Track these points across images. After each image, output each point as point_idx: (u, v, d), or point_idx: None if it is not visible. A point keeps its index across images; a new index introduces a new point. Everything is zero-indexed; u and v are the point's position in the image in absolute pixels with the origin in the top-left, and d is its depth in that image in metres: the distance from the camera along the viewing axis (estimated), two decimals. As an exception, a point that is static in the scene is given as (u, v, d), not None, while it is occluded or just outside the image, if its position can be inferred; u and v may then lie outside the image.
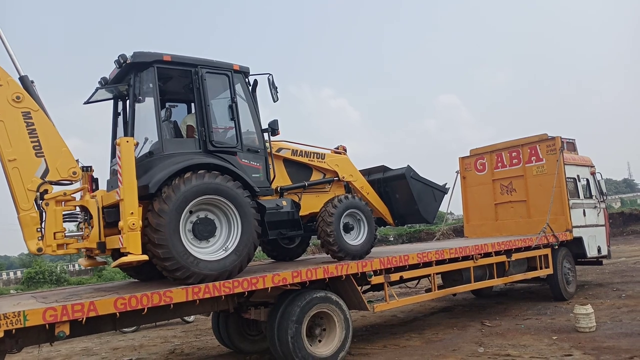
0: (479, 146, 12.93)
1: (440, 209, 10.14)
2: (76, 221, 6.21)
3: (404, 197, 8.77)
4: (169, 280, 6.13)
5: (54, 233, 5.74)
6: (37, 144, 5.75)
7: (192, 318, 12.09)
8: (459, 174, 13.11)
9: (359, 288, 7.44)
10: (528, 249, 10.05)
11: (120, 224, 5.63)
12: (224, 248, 6.28)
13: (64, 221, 5.89)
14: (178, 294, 5.63)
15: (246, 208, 6.37)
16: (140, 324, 9.68)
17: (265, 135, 7.28)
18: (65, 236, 5.88)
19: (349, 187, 8.46)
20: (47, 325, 4.96)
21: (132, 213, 5.57)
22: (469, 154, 13.07)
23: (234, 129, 6.95)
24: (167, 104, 7.32)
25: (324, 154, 8.30)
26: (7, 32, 5.98)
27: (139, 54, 6.38)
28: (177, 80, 7.06)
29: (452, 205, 14.07)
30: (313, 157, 8.13)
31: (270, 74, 7.17)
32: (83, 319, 5.07)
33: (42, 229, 5.67)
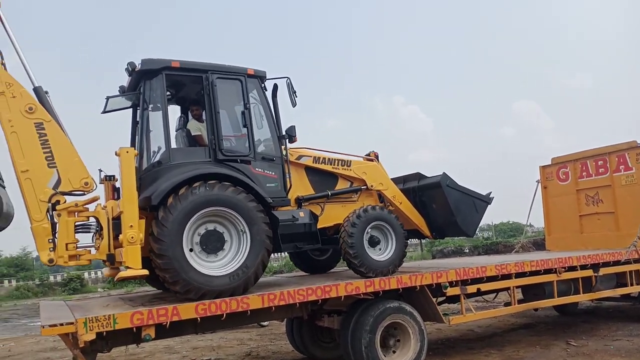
0: (560, 154, 12.36)
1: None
2: (90, 232, 6.17)
3: (441, 208, 8.05)
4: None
5: (66, 244, 5.68)
6: (49, 154, 5.68)
7: (267, 322, 12.34)
8: (539, 184, 12.56)
9: (434, 299, 7.29)
10: (617, 263, 9.42)
11: (121, 237, 5.49)
12: (232, 263, 5.97)
13: (77, 232, 5.84)
14: (254, 301, 5.77)
15: (254, 218, 6.00)
16: (218, 329, 10.05)
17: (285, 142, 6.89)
18: (77, 247, 5.82)
19: (381, 197, 8.01)
20: (134, 328, 5.18)
21: (131, 226, 5.42)
22: (550, 163, 12.52)
23: (247, 136, 6.62)
24: (189, 112, 7.19)
25: (350, 161, 7.77)
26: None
27: (147, 61, 6.26)
28: (189, 87, 6.91)
29: (532, 217, 13.43)
30: (337, 165, 7.63)
31: (288, 78, 6.83)
32: (167, 322, 5.29)
33: (55, 240, 5.63)
